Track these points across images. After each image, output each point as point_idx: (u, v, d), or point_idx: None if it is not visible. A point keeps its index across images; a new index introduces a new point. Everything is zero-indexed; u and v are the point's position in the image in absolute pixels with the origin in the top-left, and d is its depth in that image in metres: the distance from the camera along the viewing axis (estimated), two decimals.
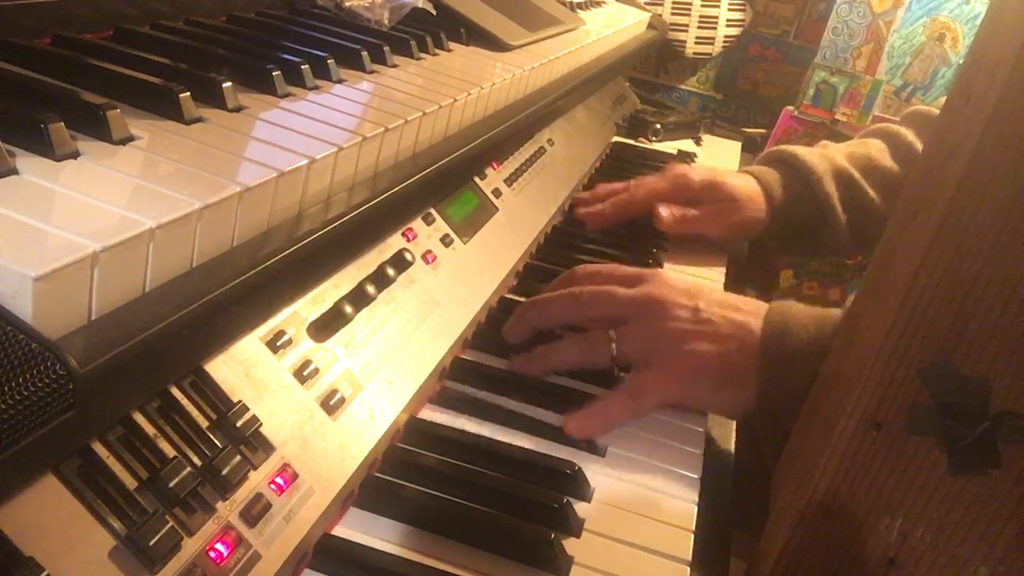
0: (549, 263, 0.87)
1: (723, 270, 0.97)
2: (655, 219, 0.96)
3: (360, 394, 0.52)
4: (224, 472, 0.40)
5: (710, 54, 2.01)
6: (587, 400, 0.64)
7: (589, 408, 0.63)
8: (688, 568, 0.52)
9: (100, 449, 0.36)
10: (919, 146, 1.02)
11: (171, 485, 0.37)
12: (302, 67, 0.57)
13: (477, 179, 0.80)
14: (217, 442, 0.41)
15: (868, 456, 0.46)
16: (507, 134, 0.75)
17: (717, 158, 1.38)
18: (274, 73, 0.54)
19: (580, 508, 0.54)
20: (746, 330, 0.65)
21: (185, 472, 0.38)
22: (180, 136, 0.44)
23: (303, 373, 0.48)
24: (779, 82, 2.03)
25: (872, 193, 1.00)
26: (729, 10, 1.96)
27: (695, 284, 0.70)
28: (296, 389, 0.47)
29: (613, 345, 0.66)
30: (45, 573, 0.31)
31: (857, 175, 1.00)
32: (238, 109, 0.50)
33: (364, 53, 0.66)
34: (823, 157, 1.01)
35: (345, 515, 0.50)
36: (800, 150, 1.02)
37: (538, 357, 0.67)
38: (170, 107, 0.46)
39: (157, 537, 0.36)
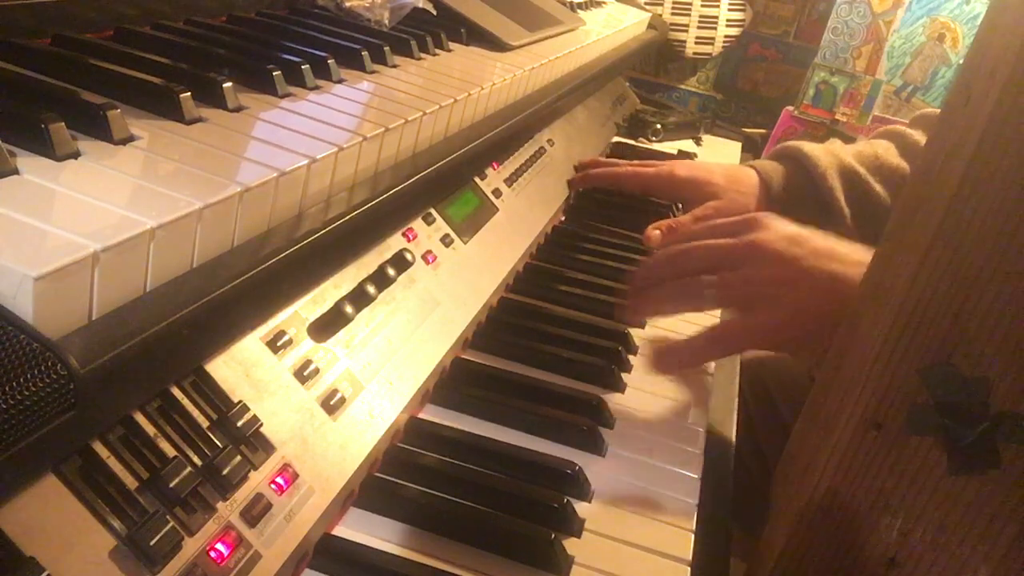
0: (549, 263, 0.87)
1: None
2: (647, 240, 0.98)
3: (360, 394, 0.52)
4: (224, 472, 0.40)
5: (710, 54, 2.01)
6: (585, 401, 0.64)
7: (675, 344, 0.64)
8: (688, 568, 0.52)
9: (101, 449, 0.36)
10: None
11: (171, 485, 0.37)
12: (302, 67, 0.57)
13: (477, 179, 0.80)
14: (217, 442, 0.41)
15: (868, 456, 0.46)
16: (507, 134, 0.75)
17: (717, 158, 1.38)
18: (274, 73, 0.54)
19: (580, 508, 0.54)
20: (844, 283, 0.63)
21: (186, 472, 0.38)
22: (180, 136, 0.44)
23: (303, 373, 0.48)
24: (779, 82, 2.03)
25: (878, 188, 1.01)
26: (729, 10, 1.96)
27: (800, 232, 0.68)
28: (296, 389, 0.47)
29: (713, 291, 0.67)
30: (46, 573, 0.31)
31: (863, 171, 1.01)
32: (238, 109, 0.50)
33: (364, 53, 0.66)
34: (829, 152, 1.02)
35: (345, 515, 0.50)
36: (807, 145, 1.03)
37: (643, 305, 0.70)
38: (170, 107, 0.46)
39: (158, 537, 0.36)
